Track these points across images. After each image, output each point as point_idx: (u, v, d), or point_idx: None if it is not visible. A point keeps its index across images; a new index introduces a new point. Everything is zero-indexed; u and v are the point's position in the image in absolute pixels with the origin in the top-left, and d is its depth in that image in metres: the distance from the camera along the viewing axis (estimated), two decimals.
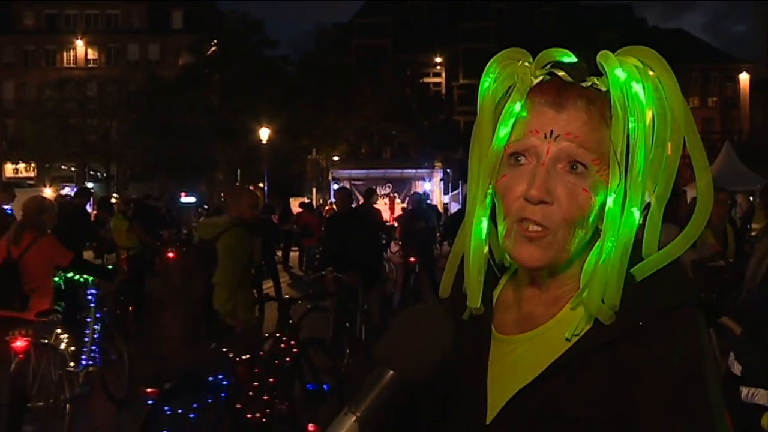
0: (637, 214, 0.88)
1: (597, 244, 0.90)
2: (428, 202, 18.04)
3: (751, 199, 20.47)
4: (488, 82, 0.95)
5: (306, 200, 24.25)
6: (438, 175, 30.71)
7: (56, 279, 5.38)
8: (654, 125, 0.88)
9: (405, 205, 23.13)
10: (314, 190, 32.91)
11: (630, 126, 0.88)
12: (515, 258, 0.93)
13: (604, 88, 0.91)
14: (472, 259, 0.98)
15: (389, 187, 28.14)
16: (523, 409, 0.91)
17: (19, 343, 4.37)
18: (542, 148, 0.89)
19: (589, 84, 0.91)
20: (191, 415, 3.88)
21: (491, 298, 1.02)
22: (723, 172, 19.58)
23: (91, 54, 49.78)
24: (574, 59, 0.92)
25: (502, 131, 0.92)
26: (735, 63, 55.17)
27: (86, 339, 5.36)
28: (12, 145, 45.92)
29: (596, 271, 0.88)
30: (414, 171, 30.33)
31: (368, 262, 6.91)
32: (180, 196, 30.13)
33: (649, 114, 0.89)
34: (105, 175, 40.31)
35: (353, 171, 30.12)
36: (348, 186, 20.96)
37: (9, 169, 47.88)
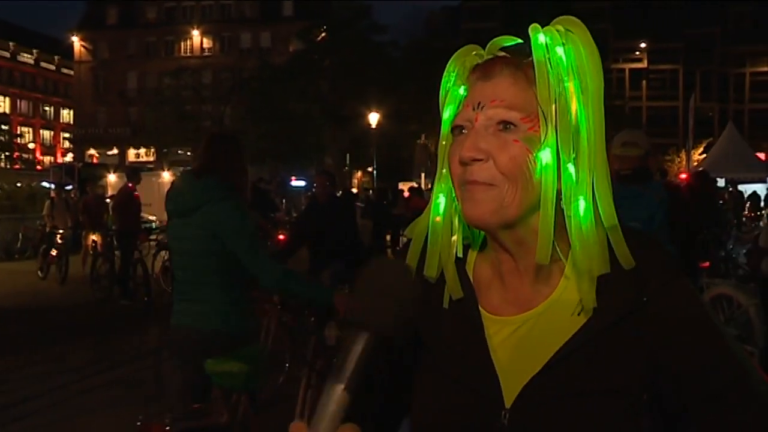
0: (572, 169, 0.90)
1: (546, 202, 0.91)
2: None
3: None
4: (449, 80, 1.02)
5: (415, 185, 23.95)
6: None
7: None
8: (577, 86, 0.91)
9: None
10: (423, 175, 32.71)
11: (564, 86, 0.91)
12: (467, 220, 0.95)
13: None
14: (431, 231, 1.01)
15: None
16: (546, 389, 0.91)
17: None
18: (473, 117, 0.95)
19: (530, 59, 0.93)
20: None
21: (468, 277, 1.01)
22: None
23: (206, 43, 51.57)
24: (519, 42, 0.97)
25: (446, 114, 1.01)
26: None
27: None
28: (134, 131, 48.38)
29: (577, 233, 0.90)
30: None
31: None
32: (290, 180, 30.52)
33: (572, 75, 0.92)
34: None
35: None
36: None
37: (131, 153, 50.52)
